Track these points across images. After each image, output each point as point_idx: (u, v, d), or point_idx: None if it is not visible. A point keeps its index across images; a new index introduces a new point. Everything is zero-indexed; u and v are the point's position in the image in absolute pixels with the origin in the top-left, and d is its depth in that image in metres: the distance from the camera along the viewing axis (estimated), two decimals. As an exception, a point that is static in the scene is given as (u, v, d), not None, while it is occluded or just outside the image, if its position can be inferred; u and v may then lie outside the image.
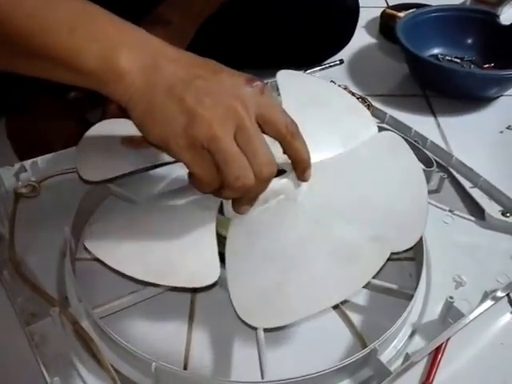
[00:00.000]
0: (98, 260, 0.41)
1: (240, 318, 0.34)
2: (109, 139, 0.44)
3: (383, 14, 0.85)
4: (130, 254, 0.36)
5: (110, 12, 0.33)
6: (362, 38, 0.83)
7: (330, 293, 0.35)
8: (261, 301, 0.35)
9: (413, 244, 0.39)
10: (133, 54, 0.32)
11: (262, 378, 0.35)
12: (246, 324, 0.34)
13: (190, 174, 0.35)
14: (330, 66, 0.72)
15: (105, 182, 0.43)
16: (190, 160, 0.33)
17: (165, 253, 0.36)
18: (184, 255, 0.36)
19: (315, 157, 0.39)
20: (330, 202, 0.41)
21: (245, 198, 0.36)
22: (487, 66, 0.74)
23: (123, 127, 0.42)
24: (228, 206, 0.39)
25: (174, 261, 0.36)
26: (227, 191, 0.34)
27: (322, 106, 0.48)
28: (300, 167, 0.38)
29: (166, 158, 0.42)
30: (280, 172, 0.39)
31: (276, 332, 0.38)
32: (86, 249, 0.37)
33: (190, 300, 0.41)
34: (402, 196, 0.43)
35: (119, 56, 0.31)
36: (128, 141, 0.43)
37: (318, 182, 0.41)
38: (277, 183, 0.38)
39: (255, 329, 0.35)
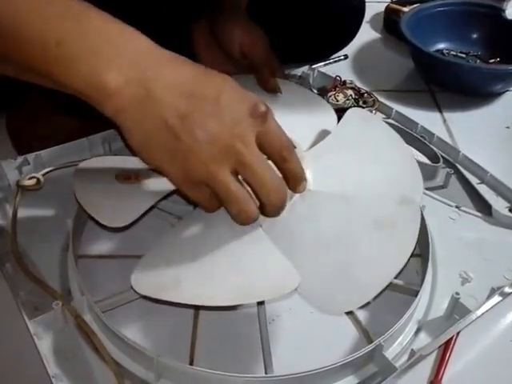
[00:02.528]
0: (100, 257, 0.41)
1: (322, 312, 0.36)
2: (106, 175, 0.42)
3: (387, 8, 0.84)
4: (195, 284, 0.35)
5: (104, 17, 0.31)
6: (366, 33, 0.82)
7: (390, 264, 0.37)
8: (332, 288, 0.36)
9: (422, 193, 0.43)
10: (123, 75, 0.30)
11: (266, 372, 0.35)
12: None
13: None
14: (335, 62, 0.71)
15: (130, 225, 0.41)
16: (190, 193, 0.33)
17: (237, 273, 0.36)
18: (259, 271, 0.36)
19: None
20: (340, 183, 0.43)
21: (267, 215, 0.36)
22: (493, 60, 0.73)
23: (113, 163, 0.43)
24: None
25: (250, 279, 0.35)
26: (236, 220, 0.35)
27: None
28: (291, 184, 0.37)
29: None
30: None
31: (280, 327, 0.38)
32: (135, 292, 0.35)
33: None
34: (392, 158, 0.46)
35: (108, 77, 0.30)
36: (122, 177, 0.42)
37: (319, 169, 0.42)
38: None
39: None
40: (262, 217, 0.37)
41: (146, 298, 0.36)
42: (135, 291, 0.35)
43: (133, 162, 0.43)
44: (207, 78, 0.32)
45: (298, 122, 0.47)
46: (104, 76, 0.30)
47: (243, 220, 0.34)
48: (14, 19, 0.29)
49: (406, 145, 0.48)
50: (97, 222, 0.39)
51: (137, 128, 0.31)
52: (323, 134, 0.48)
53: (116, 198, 0.41)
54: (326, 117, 0.51)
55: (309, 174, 0.41)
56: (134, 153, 0.33)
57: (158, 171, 0.34)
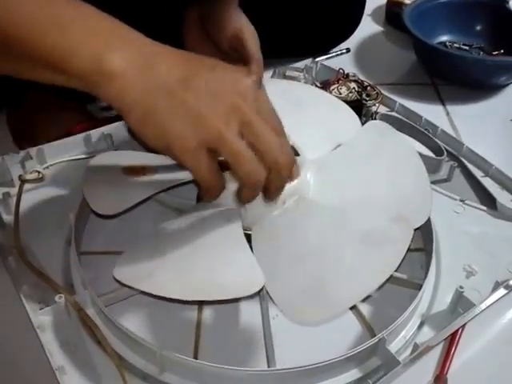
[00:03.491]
0: (102, 253, 0.41)
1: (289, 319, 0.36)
2: (114, 169, 0.43)
3: (389, 1, 0.84)
4: (166, 277, 0.36)
5: (99, 11, 0.32)
6: (368, 26, 0.82)
7: (367, 281, 0.36)
8: (304, 298, 0.35)
9: (427, 218, 0.41)
10: (124, 55, 0.30)
11: (269, 366, 0.35)
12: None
13: (197, 183, 0.34)
14: (337, 55, 0.71)
15: (120, 213, 0.42)
16: (194, 164, 0.32)
17: (205, 270, 0.36)
18: (225, 269, 0.36)
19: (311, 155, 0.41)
20: (340, 195, 0.42)
21: (271, 190, 0.35)
22: (496, 52, 0.73)
23: (126, 158, 0.43)
24: (246, 213, 0.39)
25: (216, 276, 0.36)
26: (245, 191, 0.34)
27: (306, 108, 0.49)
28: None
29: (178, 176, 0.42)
30: None
31: (283, 322, 0.38)
32: (116, 280, 0.36)
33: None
34: (404, 177, 0.44)
35: (110, 57, 0.30)
36: (129, 171, 0.42)
37: (322, 179, 0.41)
38: (290, 185, 0.39)
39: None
40: (251, 221, 0.37)
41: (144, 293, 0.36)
42: (115, 279, 0.36)
43: (141, 158, 0.44)
44: (199, 56, 0.34)
45: (320, 130, 0.47)
46: (106, 58, 0.30)
47: (253, 182, 0.33)
48: (14, 6, 0.29)
49: (421, 163, 0.45)
50: (93, 211, 0.40)
51: (139, 101, 0.31)
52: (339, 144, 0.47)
53: (115, 189, 0.41)
54: (348, 127, 0.49)
55: (311, 181, 0.41)
56: (140, 142, 0.33)
57: (157, 151, 0.33)
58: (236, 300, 0.38)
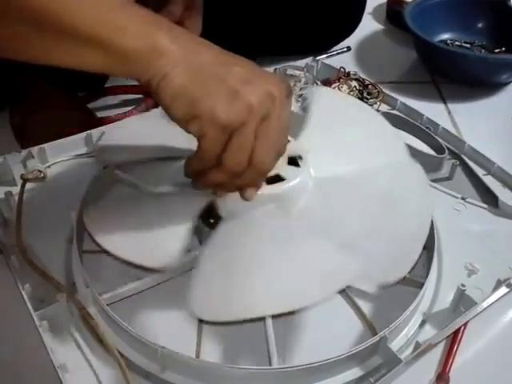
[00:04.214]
0: (104, 252, 0.41)
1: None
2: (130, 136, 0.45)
3: (390, -1, 0.84)
4: (122, 238, 0.37)
5: None
6: (368, 25, 0.81)
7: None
8: (218, 299, 0.35)
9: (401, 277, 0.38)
10: (173, 36, 0.31)
11: (270, 364, 0.35)
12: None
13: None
14: (338, 53, 0.71)
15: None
16: (211, 136, 0.32)
17: (148, 238, 0.37)
18: (158, 240, 0.37)
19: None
20: (325, 224, 0.40)
21: (228, 186, 0.36)
22: (498, 50, 0.72)
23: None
24: (221, 203, 0.39)
25: (150, 245, 0.37)
26: (215, 173, 0.34)
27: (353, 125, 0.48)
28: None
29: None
30: (280, 179, 0.39)
31: (285, 319, 0.38)
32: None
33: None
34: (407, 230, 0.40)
35: (161, 35, 0.31)
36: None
37: (321, 199, 0.40)
38: (277, 188, 0.38)
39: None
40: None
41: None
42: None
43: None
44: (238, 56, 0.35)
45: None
46: (153, 36, 0.31)
47: (234, 172, 0.34)
48: None
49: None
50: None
51: (179, 73, 0.31)
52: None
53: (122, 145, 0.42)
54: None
55: (304, 200, 0.40)
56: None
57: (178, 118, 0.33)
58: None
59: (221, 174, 0.34)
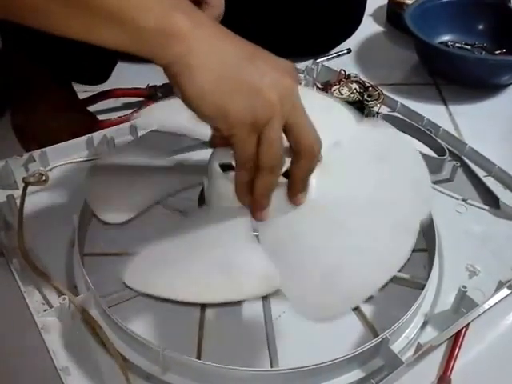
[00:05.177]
0: (105, 255, 0.41)
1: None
2: (118, 172, 0.44)
3: (390, 1, 0.84)
4: (179, 281, 0.35)
5: None
6: (369, 27, 0.82)
7: (375, 276, 0.35)
8: (317, 295, 0.35)
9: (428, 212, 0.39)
10: (193, 20, 0.31)
11: (272, 366, 0.35)
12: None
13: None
14: (338, 56, 0.71)
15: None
16: (242, 135, 0.32)
17: (220, 272, 0.36)
18: (240, 270, 0.36)
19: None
20: (343, 196, 0.41)
21: (298, 178, 0.36)
22: (499, 52, 0.73)
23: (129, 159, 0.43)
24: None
25: (232, 277, 0.35)
26: (261, 178, 0.34)
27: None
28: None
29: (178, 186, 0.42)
30: None
31: (286, 322, 0.38)
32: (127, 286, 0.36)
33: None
34: (405, 182, 0.42)
35: (181, 18, 0.30)
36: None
37: (324, 180, 0.41)
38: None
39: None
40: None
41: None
42: (126, 285, 0.35)
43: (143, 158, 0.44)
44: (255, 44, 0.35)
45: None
46: (177, 17, 0.30)
47: (274, 166, 0.34)
48: None
49: (423, 163, 0.43)
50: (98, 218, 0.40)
51: (203, 68, 0.31)
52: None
53: (121, 196, 0.41)
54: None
55: (313, 182, 0.40)
56: (189, 107, 0.32)
57: (208, 117, 0.33)
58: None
59: (267, 177, 0.34)
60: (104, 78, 0.64)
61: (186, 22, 0.30)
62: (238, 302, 0.39)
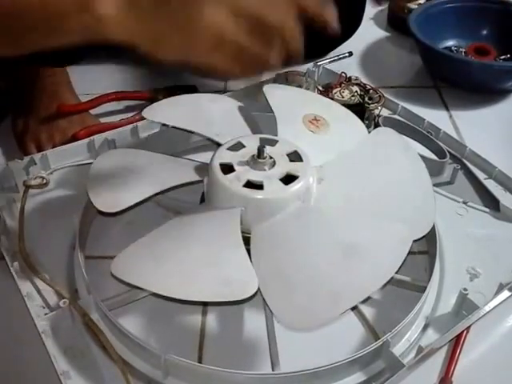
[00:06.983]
0: (106, 258, 0.41)
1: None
2: (118, 167, 0.44)
3: (391, 4, 0.84)
4: (162, 275, 0.35)
5: None
6: (370, 30, 0.82)
7: (367, 284, 0.35)
8: (300, 303, 0.34)
9: (429, 229, 0.39)
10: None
11: (273, 370, 0.35)
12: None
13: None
14: (339, 59, 0.71)
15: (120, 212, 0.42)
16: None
17: (203, 272, 0.35)
18: (219, 271, 0.35)
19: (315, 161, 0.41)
20: (343, 201, 0.41)
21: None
22: (503, 57, 0.72)
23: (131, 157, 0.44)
24: (247, 214, 0.38)
25: (210, 277, 0.35)
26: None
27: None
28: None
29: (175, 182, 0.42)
30: (293, 178, 0.39)
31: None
32: (113, 276, 0.36)
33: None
34: (408, 186, 0.43)
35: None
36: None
37: (326, 185, 0.41)
38: (294, 189, 0.39)
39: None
40: (251, 223, 0.37)
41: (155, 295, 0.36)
42: (113, 275, 0.35)
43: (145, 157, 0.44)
44: None
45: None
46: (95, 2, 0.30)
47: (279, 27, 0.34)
48: None
49: (426, 170, 0.44)
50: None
51: (148, 27, 0.31)
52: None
53: (117, 187, 0.41)
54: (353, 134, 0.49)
55: (314, 187, 0.40)
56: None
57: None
58: (239, 303, 0.38)
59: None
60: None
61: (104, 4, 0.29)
62: (239, 306, 0.39)
